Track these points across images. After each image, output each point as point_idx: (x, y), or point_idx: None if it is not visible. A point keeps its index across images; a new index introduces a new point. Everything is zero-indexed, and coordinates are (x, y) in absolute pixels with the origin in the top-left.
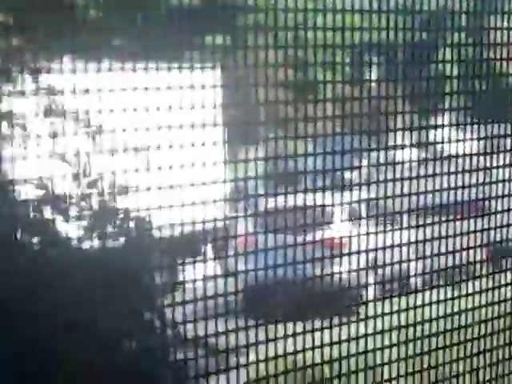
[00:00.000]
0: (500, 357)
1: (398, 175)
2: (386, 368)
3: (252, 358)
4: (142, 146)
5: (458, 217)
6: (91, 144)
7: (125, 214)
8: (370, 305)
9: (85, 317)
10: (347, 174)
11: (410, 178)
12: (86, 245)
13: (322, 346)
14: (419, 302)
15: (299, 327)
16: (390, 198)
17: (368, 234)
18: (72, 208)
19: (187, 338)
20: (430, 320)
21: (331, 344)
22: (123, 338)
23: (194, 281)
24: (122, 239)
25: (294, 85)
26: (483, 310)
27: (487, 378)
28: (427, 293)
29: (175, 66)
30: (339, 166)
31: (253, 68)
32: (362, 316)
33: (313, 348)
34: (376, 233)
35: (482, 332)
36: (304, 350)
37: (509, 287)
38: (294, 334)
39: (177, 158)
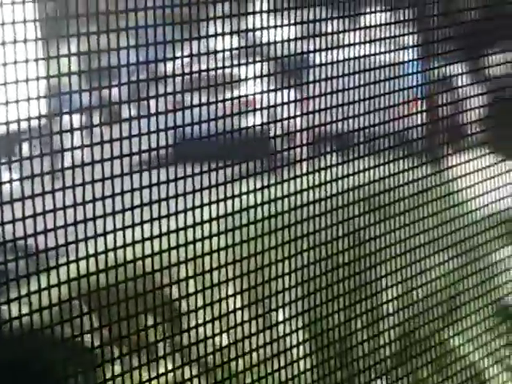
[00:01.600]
0: (318, 241)
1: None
2: (214, 256)
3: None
4: None
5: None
6: None
7: None
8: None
9: None
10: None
11: (224, 67)
12: None
13: (151, 238)
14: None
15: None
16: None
17: None
18: None
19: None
20: (250, 207)
21: (159, 237)
22: None
23: (10, 181)
24: None
25: None
26: (304, 194)
27: (305, 263)
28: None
29: None
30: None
31: None
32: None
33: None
34: None
35: (304, 216)
36: (130, 245)
37: (328, 170)
38: (114, 230)
39: None
